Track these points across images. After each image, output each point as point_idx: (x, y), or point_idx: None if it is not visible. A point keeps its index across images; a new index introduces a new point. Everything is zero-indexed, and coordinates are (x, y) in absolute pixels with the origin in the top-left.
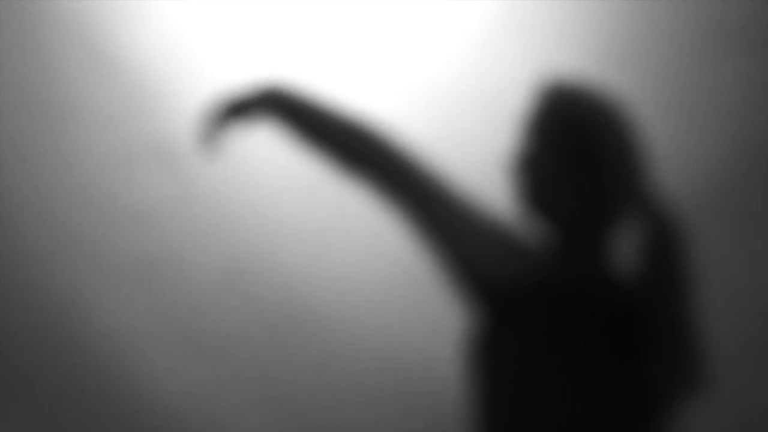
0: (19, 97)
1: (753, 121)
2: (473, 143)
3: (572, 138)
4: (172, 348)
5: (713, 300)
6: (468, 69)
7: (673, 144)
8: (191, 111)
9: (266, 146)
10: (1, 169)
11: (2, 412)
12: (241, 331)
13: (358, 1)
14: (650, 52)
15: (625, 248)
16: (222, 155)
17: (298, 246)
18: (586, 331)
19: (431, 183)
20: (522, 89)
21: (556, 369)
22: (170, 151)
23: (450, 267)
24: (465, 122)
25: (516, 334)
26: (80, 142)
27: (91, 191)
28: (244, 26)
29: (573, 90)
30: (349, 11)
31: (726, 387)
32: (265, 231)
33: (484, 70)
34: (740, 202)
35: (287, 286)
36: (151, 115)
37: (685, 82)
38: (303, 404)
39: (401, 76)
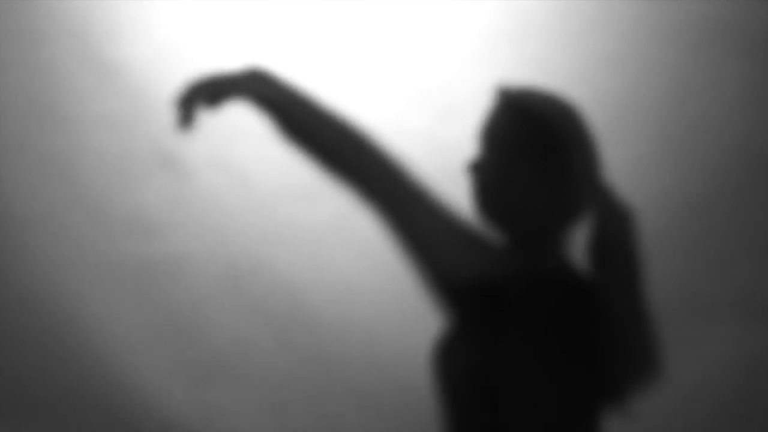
0: (19, 102)
1: (754, 121)
2: (461, 149)
3: (522, 141)
4: (171, 352)
5: (714, 297)
6: (462, 77)
7: (673, 144)
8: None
9: (266, 151)
10: (1, 173)
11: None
12: (241, 336)
13: (355, 10)
14: (650, 53)
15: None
16: (223, 161)
17: (298, 251)
18: (545, 325)
19: (402, 181)
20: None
21: (519, 364)
22: (170, 156)
23: (415, 265)
24: (456, 129)
25: (478, 333)
26: (80, 147)
27: (91, 196)
28: (244, 31)
29: (523, 96)
30: (345, 20)
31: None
32: (265, 236)
33: (479, 77)
34: (741, 202)
35: (287, 290)
36: (151, 120)
37: (684, 83)
38: (302, 408)
39: (395, 82)
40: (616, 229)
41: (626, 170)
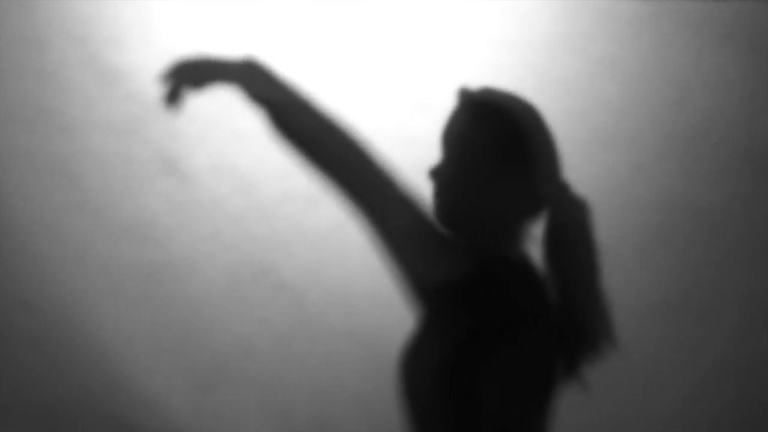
0: (21, 107)
1: (756, 123)
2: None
3: (481, 142)
4: (174, 357)
5: (715, 298)
6: (464, 84)
7: (675, 147)
8: (194, 120)
9: (268, 156)
10: (4, 177)
11: (1, 421)
12: (243, 340)
13: (357, 18)
14: (651, 57)
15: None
16: (225, 166)
17: (300, 255)
18: (510, 313)
19: (385, 180)
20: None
21: (490, 354)
22: (172, 161)
23: (392, 264)
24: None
25: (449, 329)
26: (82, 152)
27: (93, 201)
28: (245, 38)
29: (482, 96)
30: (347, 29)
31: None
32: (267, 241)
33: (481, 84)
34: (742, 203)
35: (290, 295)
36: (153, 125)
37: (686, 86)
38: (304, 412)
39: (397, 90)
40: (574, 220)
41: (628, 174)
